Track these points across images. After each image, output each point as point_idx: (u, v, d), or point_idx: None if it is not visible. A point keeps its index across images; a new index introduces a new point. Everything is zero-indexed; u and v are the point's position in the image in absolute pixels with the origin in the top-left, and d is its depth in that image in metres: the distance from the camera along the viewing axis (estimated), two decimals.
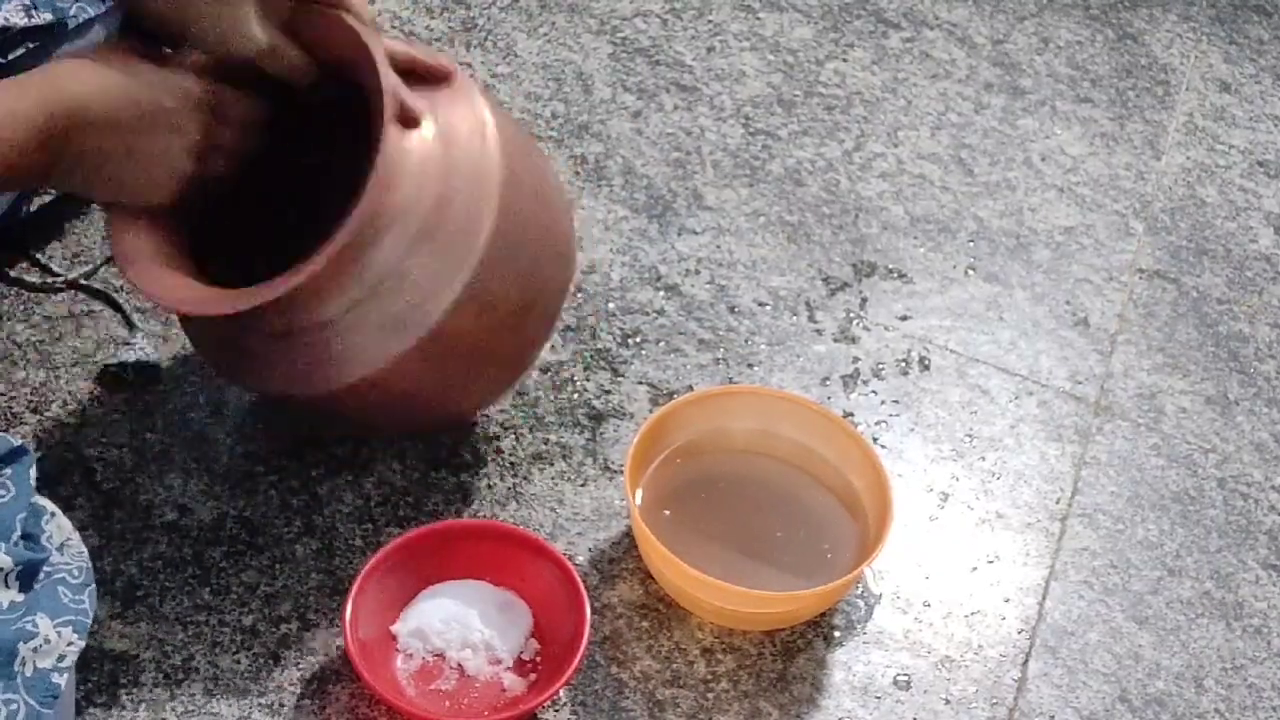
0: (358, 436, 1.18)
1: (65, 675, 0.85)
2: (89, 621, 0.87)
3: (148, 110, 0.92)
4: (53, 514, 0.90)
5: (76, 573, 0.88)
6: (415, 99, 0.98)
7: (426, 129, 0.98)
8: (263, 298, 0.94)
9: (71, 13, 1.13)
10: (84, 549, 0.90)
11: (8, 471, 0.86)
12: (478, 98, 1.03)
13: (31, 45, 1.11)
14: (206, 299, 0.96)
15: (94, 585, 0.89)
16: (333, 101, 1.02)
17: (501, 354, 1.07)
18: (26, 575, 0.85)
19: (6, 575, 0.83)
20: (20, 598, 0.84)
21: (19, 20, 1.09)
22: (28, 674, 0.83)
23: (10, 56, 1.10)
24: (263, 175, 1.02)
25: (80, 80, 0.90)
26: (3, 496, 0.85)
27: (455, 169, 0.98)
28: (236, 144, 0.98)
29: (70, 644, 0.85)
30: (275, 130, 1.01)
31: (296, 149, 1.04)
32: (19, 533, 0.85)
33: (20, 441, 0.88)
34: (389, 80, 0.94)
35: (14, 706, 0.81)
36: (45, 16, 1.11)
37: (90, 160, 0.92)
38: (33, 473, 0.88)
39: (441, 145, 0.99)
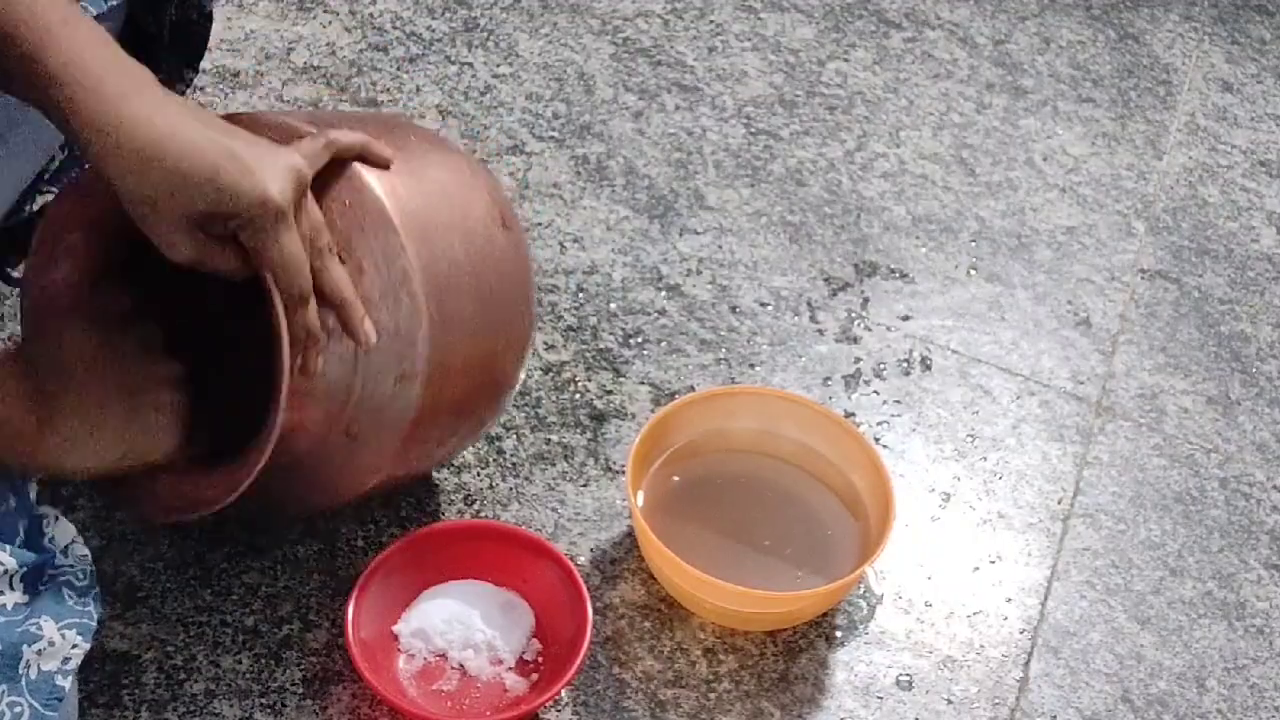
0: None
1: (69, 678, 0.85)
2: (93, 625, 0.87)
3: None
4: (56, 517, 0.90)
5: (81, 575, 0.88)
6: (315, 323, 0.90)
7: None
8: (220, 501, 0.91)
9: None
10: (87, 552, 0.90)
11: (6, 484, 0.86)
12: (393, 234, 0.94)
13: None
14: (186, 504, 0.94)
15: (98, 588, 0.89)
16: None
17: (472, 409, 1.04)
18: (31, 577, 0.85)
19: (11, 577, 0.83)
20: (24, 600, 0.84)
21: None
22: (32, 676, 0.82)
23: None
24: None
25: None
26: (6, 506, 0.85)
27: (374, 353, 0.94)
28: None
29: (75, 647, 0.85)
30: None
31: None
32: (23, 535, 0.85)
33: None
34: (284, 363, 0.87)
35: (18, 709, 0.81)
36: None
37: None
38: (33, 485, 0.88)
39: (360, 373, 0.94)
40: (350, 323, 0.91)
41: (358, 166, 0.94)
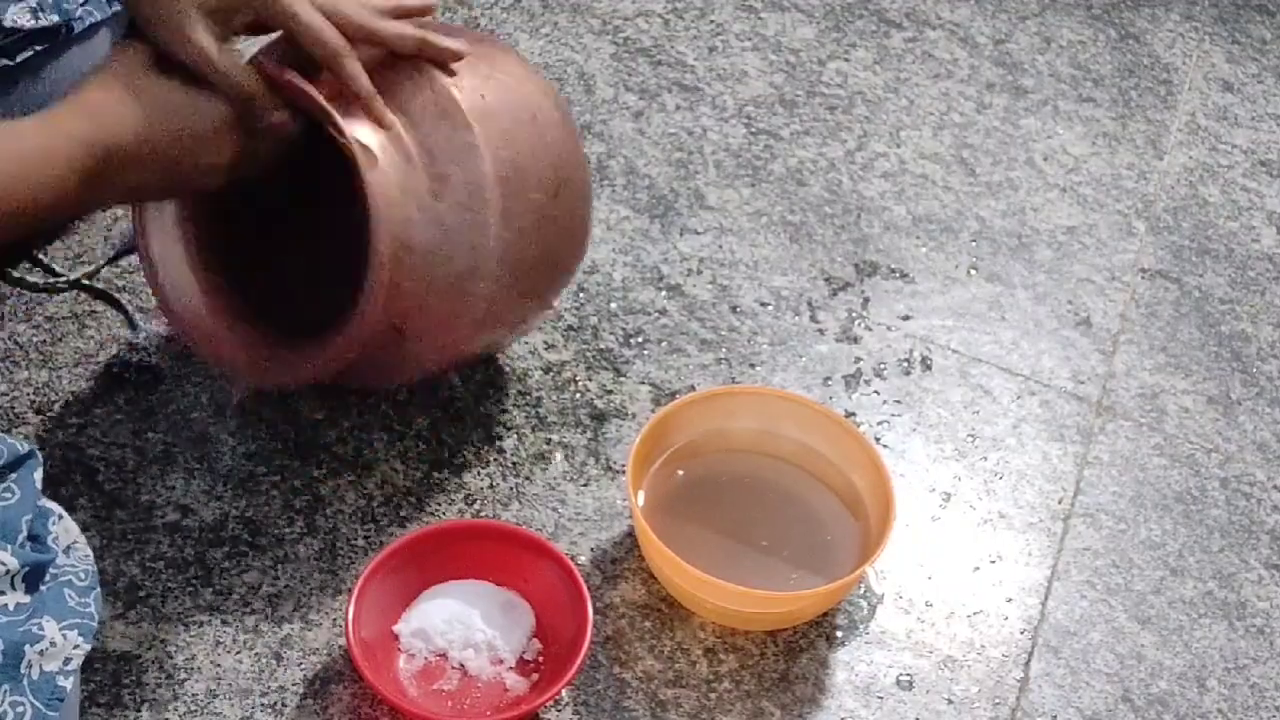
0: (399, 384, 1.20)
1: (71, 678, 0.85)
2: (95, 625, 0.87)
3: (185, 138, 0.92)
4: (60, 516, 0.90)
5: (83, 575, 0.88)
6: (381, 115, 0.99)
7: (400, 143, 1.01)
8: (323, 362, 1.02)
9: (78, 15, 1.13)
10: (89, 552, 0.90)
11: (13, 475, 0.86)
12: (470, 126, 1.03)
13: (39, 48, 1.11)
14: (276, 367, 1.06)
15: (100, 589, 0.89)
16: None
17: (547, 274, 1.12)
18: (33, 577, 0.85)
19: (13, 577, 0.83)
20: (26, 600, 0.84)
21: (26, 22, 1.09)
22: (34, 677, 0.83)
23: (19, 59, 1.10)
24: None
25: (115, 113, 0.89)
26: (8, 499, 0.85)
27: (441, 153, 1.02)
28: (268, 155, 0.98)
29: (76, 647, 0.85)
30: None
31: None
32: (25, 534, 0.85)
33: (30, 446, 0.88)
34: (351, 142, 0.96)
35: (20, 709, 0.81)
36: (52, 19, 1.11)
37: (127, 189, 0.92)
38: (39, 476, 0.88)
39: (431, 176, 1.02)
40: (435, 50, 1.00)
41: (425, 64, 1.03)
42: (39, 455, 0.89)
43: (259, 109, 0.94)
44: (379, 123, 0.99)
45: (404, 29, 1.00)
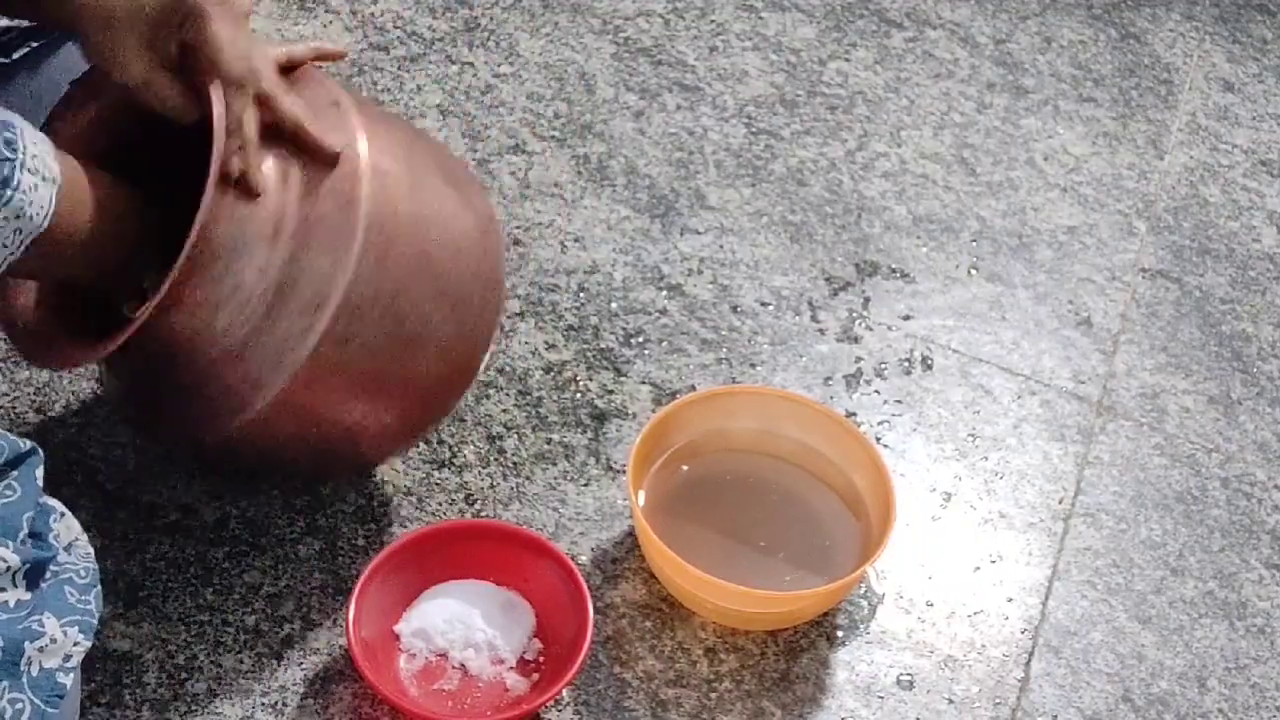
0: (274, 484, 1.16)
1: (71, 675, 0.85)
2: (95, 622, 0.87)
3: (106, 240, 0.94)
4: (61, 514, 0.90)
5: (83, 573, 0.88)
6: (261, 164, 0.97)
7: (279, 211, 0.96)
8: (106, 349, 0.93)
9: None
10: (90, 550, 0.90)
11: (14, 472, 0.86)
12: (364, 179, 0.98)
13: (35, 44, 1.11)
14: (69, 355, 0.97)
15: (100, 586, 0.89)
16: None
17: (387, 391, 1.02)
18: (33, 574, 0.85)
19: (14, 574, 0.83)
20: (27, 596, 0.84)
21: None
22: (33, 673, 0.83)
23: (14, 56, 1.10)
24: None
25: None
26: (9, 496, 0.85)
27: (299, 265, 0.96)
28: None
29: (76, 644, 0.85)
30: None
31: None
32: (26, 531, 0.85)
33: (30, 444, 0.88)
34: (215, 160, 0.92)
35: (19, 705, 0.81)
36: None
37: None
38: (40, 473, 0.88)
39: (294, 238, 0.96)
40: (308, 140, 0.97)
41: (336, 88, 1.02)
42: (40, 453, 0.89)
43: (191, 121, 0.96)
44: (313, 152, 0.98)
45: (293, 110, 0.97)
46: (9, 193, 0.84)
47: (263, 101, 0.96)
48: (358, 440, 1.04)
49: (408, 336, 0.99)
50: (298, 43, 1.03)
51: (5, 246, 0.86)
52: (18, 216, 0.85)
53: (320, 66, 1.05)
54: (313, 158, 0.97)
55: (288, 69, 1.01)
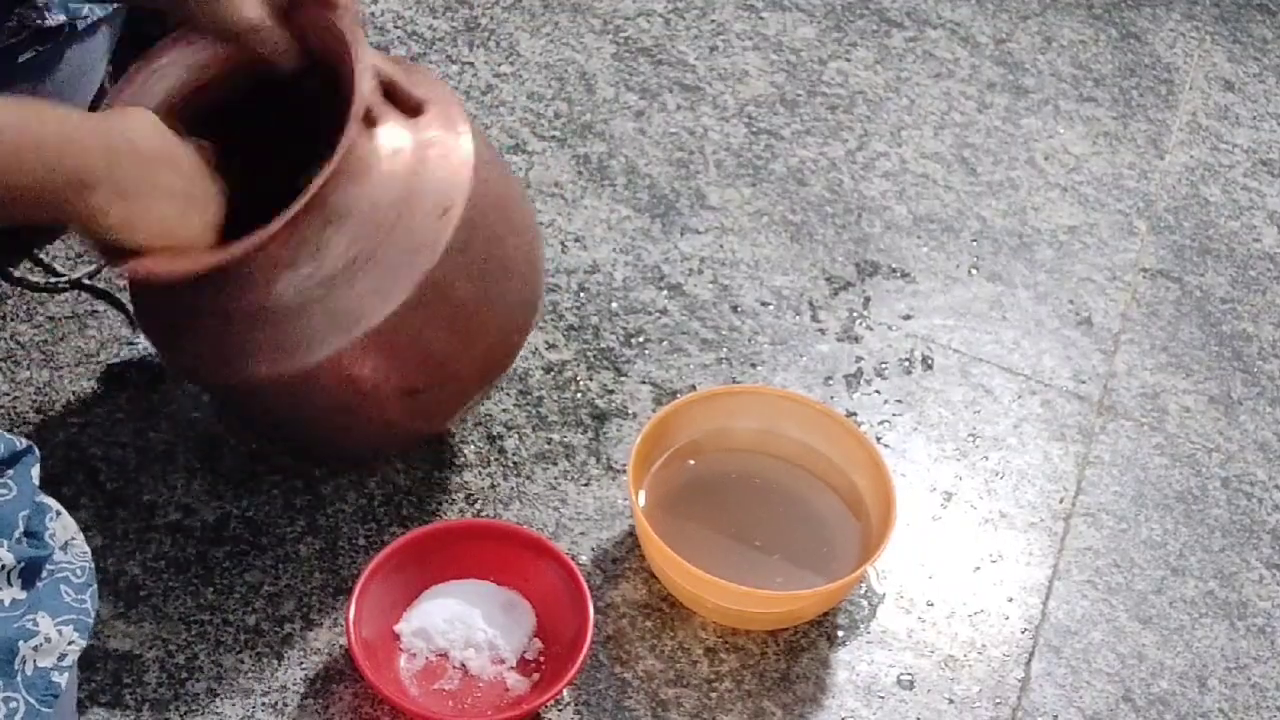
0: (303, 455, 1.16)
1: (65, 674, 0.85)
2: (90, 621, 0.87)
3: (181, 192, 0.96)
4: (58, 513, 0.90)
5: (79, 572, 0.88)
6: (384, 106, 1.01)
7: (398, 137, 1.00)
8: (215, 260, 0.95)
9: (84, 13, 1.14)
10: (87, 549, 0.90)
11: (10, 471, 0.86)
12: (461, 122, 1.04)
13: (40, 49, 1.11)
14: (157, 263, 0.96)
15: (96, 585, 0.89)
16: (320, 97, 1.03)
17: (452, 366, 1.05)
18: (29, 573, 0.85)
19: (9, 572, 0.83)
20: (22, 595, 0.84)
21: (53, 20, 1.10)
22: (28, 672, 0.83)
23: (20, 59, 1.10)
24: (256, 168, 1.03)
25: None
26: (5, 494, 0.85)
27: (423, 178, 1.00)
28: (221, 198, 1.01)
29: (71, 643, 0.85)
30: (271, 123, 1.04)
31: (289, 142, 1.05)
32: (21, 530, 0.85)
33: (26, 442, 0.88)
34: (363, 82, 0.96)
35: (13, 704, 0.81)
36: (59, 18, 1.11)
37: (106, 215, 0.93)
38: (36, 471, 0.88)
39: (413, 156, 1.00)
40: (401, 91, 1.02)
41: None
42: (36, 451, 0.89)
43: (293, 68, 1.01)
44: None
45: (385, 64, 1.03)
46: None
47: None
48: (447, 376, 1.05)
49: (504, 265, 1.04)
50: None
51: None
52: None
53: None
54: (403, 102, 1.02)
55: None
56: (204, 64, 1.02)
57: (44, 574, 0.86)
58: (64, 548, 0.89)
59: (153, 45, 1.03)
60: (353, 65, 0.97)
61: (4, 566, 0.82)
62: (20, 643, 0.82)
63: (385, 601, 1.05)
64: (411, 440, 1.16)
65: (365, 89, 0.96)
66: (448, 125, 1.03)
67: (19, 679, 0.82)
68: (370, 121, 0.98)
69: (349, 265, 0.97)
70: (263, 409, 1.07)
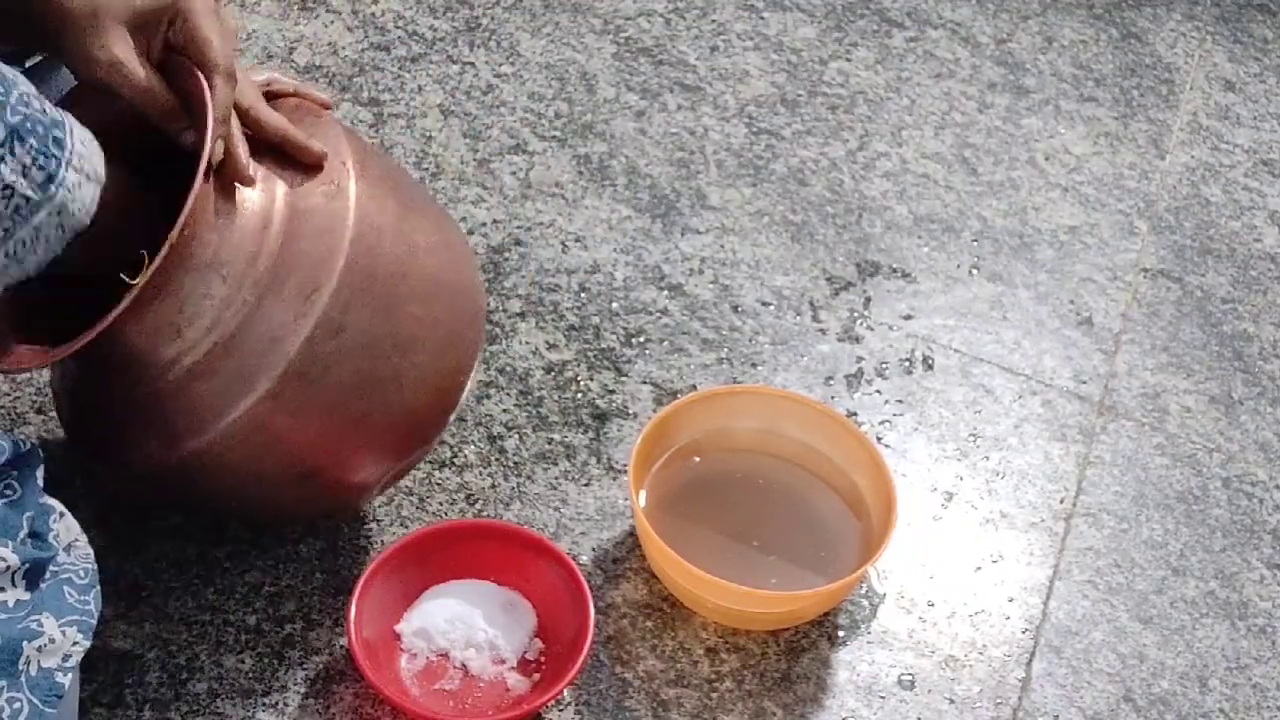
0: (240, 521, 1.13)
1: (69, 675, 0.85)
2: (94, 623, 0.87)
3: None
4: (61, 514, 0.90)
5: (83, 573, 0.88)
6: (271, 165, 0.96)
7: (268, 208, 0.94)
8: (73, 347, 0.89)
9: None
10: (90, 550, 0.90)
11: (15, 472, 0.87)
12: (351, 179, 0.97)
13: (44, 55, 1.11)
14: (21, 357, 0.92)
15: (99, 587, 0.89)
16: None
17: (346, 450, 0.99)
18: (33, 574, 0.85)
19: (13, 573, 0.83)
20: (26, 596, 0.84)
21: None
22: (32, 673, 0.83)
23: (27, 64, 1.10)
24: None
25: None
26: (10, 496, 0.85)
27: (293, 254, 0.93)
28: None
29: (75, 644, 0.86)
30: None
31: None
32: (26, 531, 0.85)
33: (31, 445, 0.88)
34: (211, 133, 0.90)
35: (17, 705, 0.81)
36: None
37: None
38: (40, 473, 0.89)
39: (285, 228, 0.94)
40: (293, 141, 0.97)
41: (327, 117, 1.01)
42: (41, 453, 0.89)
43: (173, 124, 0.93)
44: (302, 156, 0.97)
45: (277, 116, 0.97)
46: (54, 189, 0.84)
47: (244, 111, 0.96)
48: (342, 460, 1.00)
49: (398, 340, 0.97)
50: (284, 77, 1.03)
51: (48, 242, 0.86)
52: (60, 213, 0.85)
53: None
54: (299, 158, 0.97)
55: (269, 96, 1.00)
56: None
57: (48, 575, 0.86)
58: (67, 549, 0.89)
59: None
60: (205, 124, 0.90)
61: (8, 567, 0.82)
62: (24, 643, 0.82)
63: (386, 601, 1.05)
64: (338, 510, 1.12)
65: (210, 141, 0.90)
66: (332, 187, 0.96)
67: (23, 679, 0.82)
68: (245, 182, 0.94)
69: (210, 351, 0.92)
70: (174, 486, 1.02)
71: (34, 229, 0.85)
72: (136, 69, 0.91)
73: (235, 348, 0.92)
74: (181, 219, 0.88)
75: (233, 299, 0.92)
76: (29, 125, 0.82)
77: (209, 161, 0.90)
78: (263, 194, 0.95)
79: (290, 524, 1.12)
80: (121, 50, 0.90)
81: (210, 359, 0.92)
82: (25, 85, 0.84)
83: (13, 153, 0.82)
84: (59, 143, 0.85)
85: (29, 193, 0.83)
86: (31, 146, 0.83)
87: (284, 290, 0.92)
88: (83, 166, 0.86)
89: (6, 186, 0.82)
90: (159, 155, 0.95)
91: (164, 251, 0.88)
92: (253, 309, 0.92)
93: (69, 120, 0.87)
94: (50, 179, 0.84)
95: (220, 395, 0.93)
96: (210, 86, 0.91)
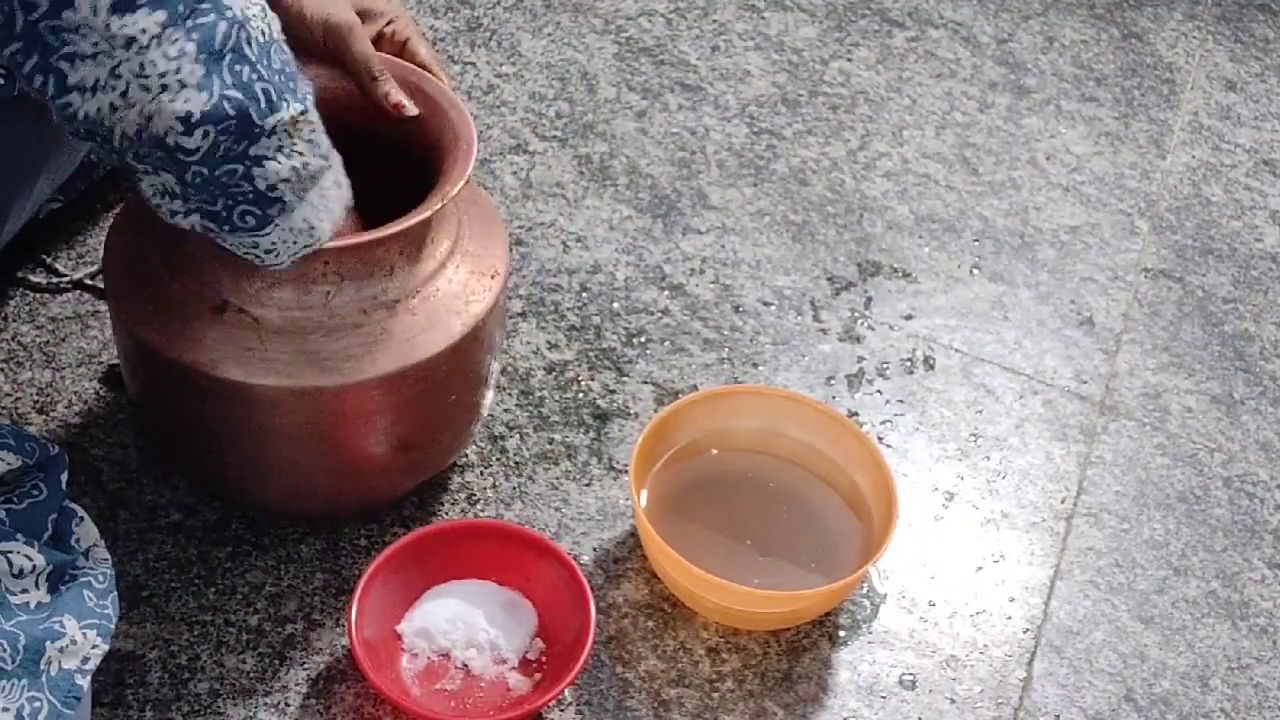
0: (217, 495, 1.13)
1: (88, 678, 0.85)
2: (111, 627, 0.87)
3: None
4: (81, 518, 0.91)
5: (101, 578, 0.89)
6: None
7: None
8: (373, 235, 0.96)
9: None
10: (108, 555, 0.91)
11: (41, 474, 0.87)
12: (494, 275, 1.06)
13: None
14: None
15: (116, 592, 0.90)
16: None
17: (450, 415, 1.08)
18: (54, 577, 0.85)
19: (39, 575, 0.83)
20: (48, 599, 0.84)
21: None
22: (53, 673, 0.83)
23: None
24: None
25: None
26: (36, 496, 0.86)
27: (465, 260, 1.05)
28: None
29: (95, 647, 0.86)
30: None
31: None
32: (50, 532, 0.86)
33: (58, 448, 0.89)
34: (470, 148, 1.01)
35: (38, 704, 0.82)
36: None
37: None
38: (65, 477, 0.89)
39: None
40: (434, 73, 1.06)
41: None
42: (65, 457, 0.89)
43: (382, 90, 1.01)
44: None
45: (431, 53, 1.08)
46: (331, 156, 0.90)
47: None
48: (431, 439, 1.08)
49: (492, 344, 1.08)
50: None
51: (331, 211, 0.92)
52: (335, 184, 0.92)
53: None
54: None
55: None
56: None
57: (68, 579, 0.87)
58: (87, 554, 0.90)
59: None
60: (466, 136, 1.01)
61: (35, 568, 0.83)
62: (47, 643, 0.83)
63: (387, 601, 1.05)
64: (365, 507, 1.14)
65: (472, 158, 1.00)
66: (488, 239, 1.08)
67: (44, 679, 0.82)
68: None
69: (402, 300, 1.00)
70: (248, 425, 1.03)
71: (320, 194, 0.90)
72: (364, 35, 1.01)
73: (423, 306, 1.01)
74: (468, 171, 0.98)
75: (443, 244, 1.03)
76: (307, 91, 0.87)
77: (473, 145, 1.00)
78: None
79: (331, 511, 1.13)
80: (353, 17, 1.01)
81: (400, 306, 1.00)
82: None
83: (310, 121, 0.87)
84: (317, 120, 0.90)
85: (324, 154, 0.89)
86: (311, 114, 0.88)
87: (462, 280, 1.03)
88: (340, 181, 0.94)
89: (314, 143, 0.87)
90: None
91: (454, 190, 0.97)
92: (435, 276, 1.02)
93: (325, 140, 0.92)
94: (326, 147, 0.90)
95: (411, 337, 1.00)
96: (436, 75, 1.04)
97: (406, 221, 0.96)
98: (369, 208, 0.99)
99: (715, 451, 1.19)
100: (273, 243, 0.88)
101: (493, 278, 1.05)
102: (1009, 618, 1.16)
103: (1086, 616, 1.17)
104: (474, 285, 1.04)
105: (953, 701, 1.10)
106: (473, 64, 1.55)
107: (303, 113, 0.85)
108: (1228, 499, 1.27)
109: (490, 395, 1.12)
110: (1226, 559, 1.22)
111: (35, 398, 1.18)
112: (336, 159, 0.90)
